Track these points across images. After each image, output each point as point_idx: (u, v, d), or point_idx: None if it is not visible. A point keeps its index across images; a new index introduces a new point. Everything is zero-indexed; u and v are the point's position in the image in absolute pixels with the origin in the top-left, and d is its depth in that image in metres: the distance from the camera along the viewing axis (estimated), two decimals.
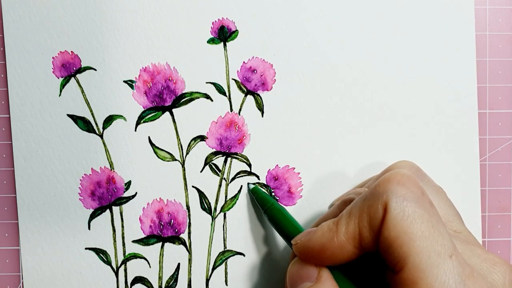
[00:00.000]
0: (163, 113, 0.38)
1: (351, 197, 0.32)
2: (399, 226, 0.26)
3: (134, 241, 0.38)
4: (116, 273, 0.38)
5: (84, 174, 0.38)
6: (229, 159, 0.39)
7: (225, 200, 0.39)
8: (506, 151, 0.41)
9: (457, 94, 0.39)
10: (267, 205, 0.36)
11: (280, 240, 0.39)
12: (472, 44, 0.39)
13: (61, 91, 0.38)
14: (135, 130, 0.38)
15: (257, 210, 0.39)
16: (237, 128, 0.39)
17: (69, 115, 0.38)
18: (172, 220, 0.38)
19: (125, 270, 0.38)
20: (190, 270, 0.38)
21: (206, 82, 0.38)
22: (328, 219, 0.31)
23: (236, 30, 0.38)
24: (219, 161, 0.39)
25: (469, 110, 0.39)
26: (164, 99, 0.38)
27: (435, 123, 0.39)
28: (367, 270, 0.30)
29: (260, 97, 0.39)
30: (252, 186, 0.38)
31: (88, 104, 0.38)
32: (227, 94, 0.39)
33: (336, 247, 0.28)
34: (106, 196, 0.38)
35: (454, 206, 0.32)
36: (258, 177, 0.39)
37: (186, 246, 0.38)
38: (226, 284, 0.39)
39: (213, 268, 0.39)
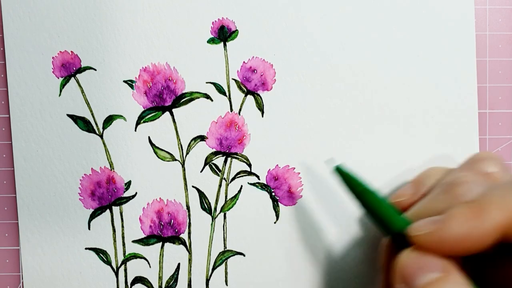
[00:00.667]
0: (163, 113, 0.38)
1: (432, 181, 0.31)
2: None
3: (134, 241, 0.38)
4: (116, 273, 0.38)
5: (84, 174, 0.38)
6: (229, 159, 0.39)
7: (225, 200, 0.39)
8: (506, 151, 0.41)
9: (457, 94, 0.39)
10: (359, 189, 0.32)
11: (280, 240, 0.39)
12: (472, 44, 0.39)
13: (61, 91, 0.38)
14: (135, 130, 0.38)
15: (257, 210, 0.39)
16: (237, 128, 0.39)
17: (69, 115, 0.38)
18: (172, 220, 0.38)
19: (125, 270, 0.38)
20: (190, 270, 0.39)
21: (206, 82, 0.39)
22: (406, 195, 0.30)
23: (236, 30, 0.39)
24: (219, 161, 0.39)
25: (469, 110, 0.39)
26: (164, 99, 0.38)
27: (435, 123, 0.39)
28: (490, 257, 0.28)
29: (260, 97, 0.39)
30: (336, 164, 0.34)
31: (88, 104, 0.38)
32: (227, 94, 0.39)
33: (479, 236, 0.25)
34: (106, 196, 0.38)
35: None
36: (258, 177, 0.39)
37: (186, 246, 0.38)
38: (226, 284, 0.39)
39: (213, 268, 0.39)
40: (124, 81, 0.38)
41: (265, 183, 0.39)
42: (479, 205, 0.25)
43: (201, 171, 0.39)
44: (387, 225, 0.30)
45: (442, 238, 0.26)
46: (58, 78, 0.38)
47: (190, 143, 0.38)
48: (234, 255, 0.39)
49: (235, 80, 0.39)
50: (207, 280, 0.39)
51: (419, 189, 0.33)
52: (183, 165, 0.38)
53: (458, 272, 0.25)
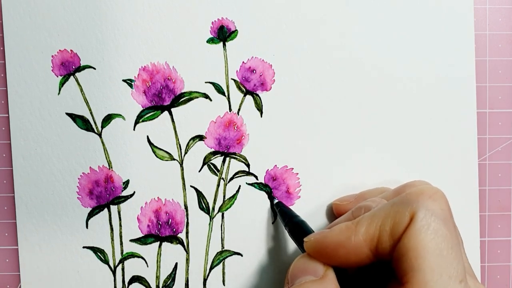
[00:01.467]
0: (162, 112, 0.38)
1: (369, 204, 0.32)
2: (420, 238, 0.26)
3: (131, 240, 0.38)
4: (114, 272, 0.38)
5: (83, 173, 0.38)
6: (227, 159, 0.39)
7: (223, 200, 0.39)
8: (506, 151, 0.41)
9: (456, 94, 0.40)
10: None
11: (278, 240, 0.39)
12: (472, 43, 0.40)
13: (60, 89, 0.38)
14: (134, 129, 0.38)
15: (255, 210, 0.39)
16: (235, 128, 0.39)
17: (68, 114, 0.38)
18: (170, 220, 0.38)
19: (123, 269, 0.38)
20: (188, 269, 0.39)
21: (205, 82, 0.39)
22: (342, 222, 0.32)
23: (236, 30, 0.39)
24: (217, 161, 0.39)
25: (468, 110, 0.40)
26: (163, 98, 0.38)
27: (435, 122, 0.39)
28: (370, 280, 0.31)
29: (259, 97, 0.39)
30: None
31: (87, 102, 0.38)
32: (226, 94, 0.39)
33: (352, 246, 0.29)
34: (104, 195, 0.38)
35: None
36: (256, 177, 0.39)
37: (184, 246, 0.39)
38: (224, 284, 0.39)
39: (211, 268, 0.39)
40: (123, 80, 0.38)
41: (264, 183, 0.39)
42: (356, 221, 0.29)
43: (199, 171, 0.39)
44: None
45: (322, 245, 0.30)
46: (58, 76, 0.38)
47: (188, 142, 0.39)
48: (231, 255, 0.39)
49: (234, 80, 0.39)
50: (205, 280, 0.39)
51: (359, 201, 0.36)
52: (181, 164, 0.39)
53: (333, 280, 0.29)
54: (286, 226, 0.36)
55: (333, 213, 0.39)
